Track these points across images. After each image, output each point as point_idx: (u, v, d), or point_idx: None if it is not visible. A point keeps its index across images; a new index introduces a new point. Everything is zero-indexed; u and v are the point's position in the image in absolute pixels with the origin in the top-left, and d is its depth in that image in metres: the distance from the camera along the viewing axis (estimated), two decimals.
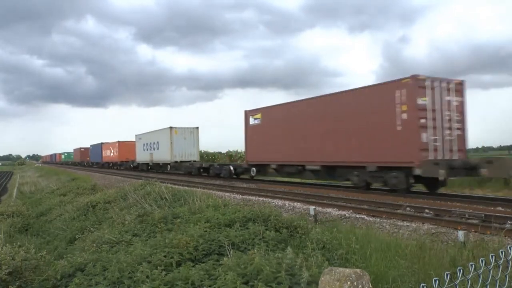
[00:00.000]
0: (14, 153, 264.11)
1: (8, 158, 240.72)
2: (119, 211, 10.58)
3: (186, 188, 15.12)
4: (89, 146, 66.02)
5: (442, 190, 14.24)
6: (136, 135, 39.91)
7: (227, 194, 15.31)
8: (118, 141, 47.24)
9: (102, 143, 54.80)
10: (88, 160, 67.24)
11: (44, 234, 11.78)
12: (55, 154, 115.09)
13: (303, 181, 19.94)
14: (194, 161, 31.26)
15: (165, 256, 5.06)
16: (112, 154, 49.83)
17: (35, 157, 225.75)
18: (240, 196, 14.80)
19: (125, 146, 46.01)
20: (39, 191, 26.51)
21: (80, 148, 75.08)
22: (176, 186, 15.75)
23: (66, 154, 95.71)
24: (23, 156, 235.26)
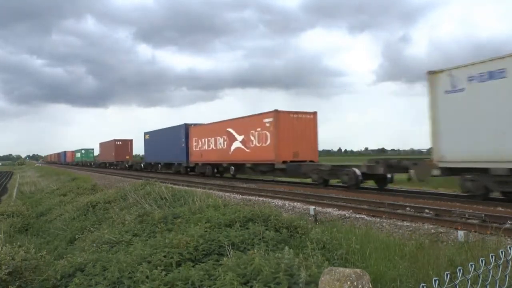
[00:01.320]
0: (14, 153, 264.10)
1: (8, 158, 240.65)
2: (119, 211, 10.57)
3: (186, 188, 15.12)
4: (143, 134, 39.33)
5: (441, 190, 14.26)
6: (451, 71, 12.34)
7: (227, 194, 15.32)
8: (276, 111, 20.70)
9: (187, 125, 30.75)
10: (128, 159, 45.90)
11: (44, 234, 11.77)
12: (64, 153, 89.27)
13: (303, 181, 20.09)
14: None
15: (165, 256, 5.05)
16: (238, 146, 23.96)
17: (35, 157, 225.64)
18: (240, 196, 14.81)
19: (292, 123, 20.76)
20: (39, 191, 26.46)
21: (116, 140, 48.42)
22: (176, 186, 15.75)
23: (83, 151, 70.76)
24: (23, 156, 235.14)
